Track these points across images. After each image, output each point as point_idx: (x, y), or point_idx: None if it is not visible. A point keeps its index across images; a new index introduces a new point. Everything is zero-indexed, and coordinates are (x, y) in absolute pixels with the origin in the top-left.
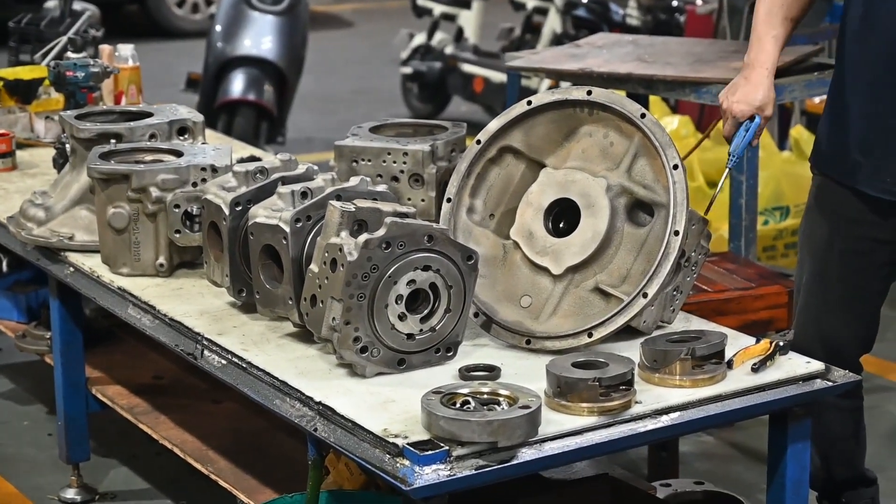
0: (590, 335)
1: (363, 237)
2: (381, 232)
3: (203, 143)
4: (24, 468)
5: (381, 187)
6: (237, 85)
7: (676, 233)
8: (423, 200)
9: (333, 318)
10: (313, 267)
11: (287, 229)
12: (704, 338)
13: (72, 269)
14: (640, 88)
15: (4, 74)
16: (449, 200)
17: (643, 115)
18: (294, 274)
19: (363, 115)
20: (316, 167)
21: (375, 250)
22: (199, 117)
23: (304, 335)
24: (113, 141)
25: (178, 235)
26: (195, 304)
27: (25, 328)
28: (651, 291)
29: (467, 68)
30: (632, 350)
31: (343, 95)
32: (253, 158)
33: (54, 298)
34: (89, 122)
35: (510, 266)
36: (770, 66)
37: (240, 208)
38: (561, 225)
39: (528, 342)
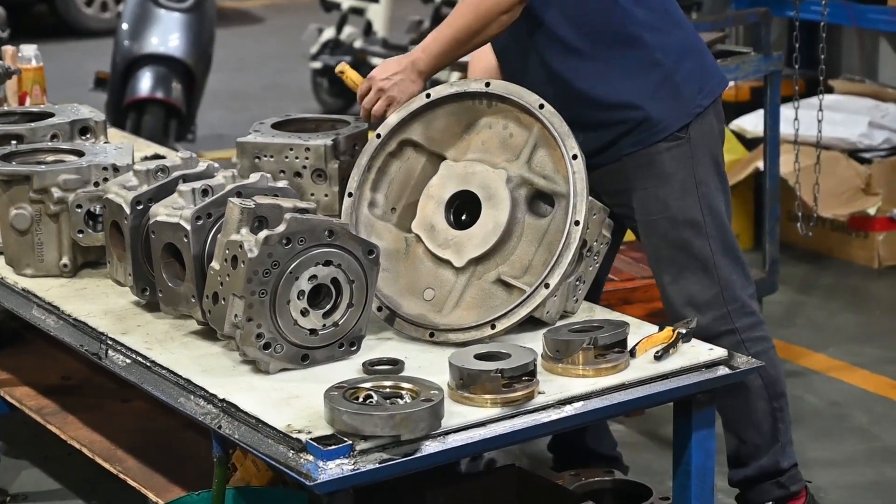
0: (493, 327)
1: (263, 233)
2: (280, 228)
3: (105, 143)
4: None
5: (282, 183)
6: (145, 83)
7: (577, 223)
8: (326, 196)
9: (235, 315)
10: (214, 264)
11: (188, 227)
12: (607, 327)
13: None
14: None
15: None
16: (350, 195)
17: (542, 106)
18: (196, 271)
19: (274, 110)
20: (217, 164)
21: (276, 246)
22: (101, 116)
23: (208, 333)
24: (14, 142)
25: (80, 235)
26: (99, 304)
27: None
28: (553, 282)
29: (377, 62)
30: (535, 341)
31: (254, 92)
32: (157, 157)
33: None
34: None
35: (413, 259)
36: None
37: (141, 207)
38: (462, 217)
39: (431, 335)
